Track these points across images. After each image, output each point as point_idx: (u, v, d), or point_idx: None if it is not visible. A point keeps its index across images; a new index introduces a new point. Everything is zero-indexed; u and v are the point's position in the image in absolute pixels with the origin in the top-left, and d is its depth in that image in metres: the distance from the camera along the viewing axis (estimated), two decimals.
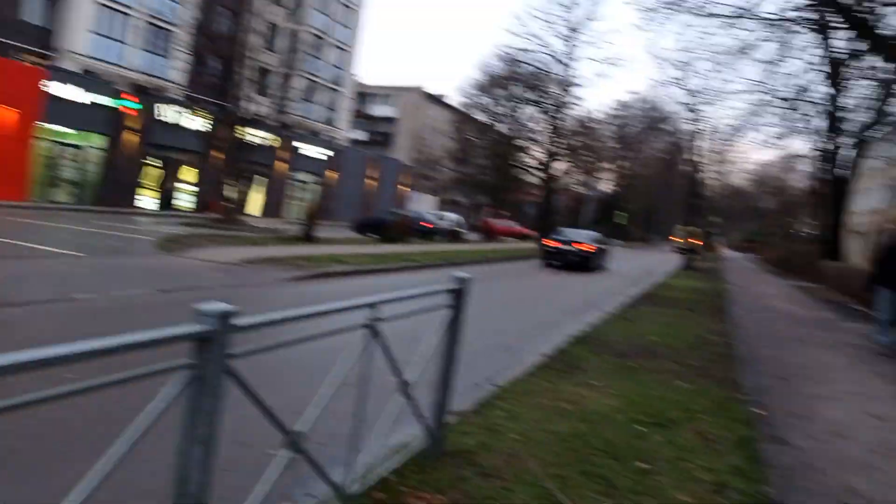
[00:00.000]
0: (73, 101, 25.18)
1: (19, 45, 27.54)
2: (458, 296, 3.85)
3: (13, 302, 7.19)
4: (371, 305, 3.00)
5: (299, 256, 14.33)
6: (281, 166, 37.43)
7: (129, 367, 1.74)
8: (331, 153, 41.58)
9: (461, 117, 60.34)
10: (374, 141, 68.59)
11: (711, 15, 15.72)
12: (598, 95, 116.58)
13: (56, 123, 24.88)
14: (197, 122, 28.30)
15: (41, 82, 24.01)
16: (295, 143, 37.90)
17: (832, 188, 26.79)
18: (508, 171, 53.69)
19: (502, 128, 52.76)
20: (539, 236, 33.61)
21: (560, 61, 32.25)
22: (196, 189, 32.03)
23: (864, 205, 41.74)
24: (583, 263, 21.74)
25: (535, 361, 6.67)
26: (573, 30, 31.05)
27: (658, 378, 6.33)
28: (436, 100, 69.37)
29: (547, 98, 37.26)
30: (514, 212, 58.82)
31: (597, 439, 4.34)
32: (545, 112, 38.11)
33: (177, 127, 29.20)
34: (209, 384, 1.93)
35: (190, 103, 29.17)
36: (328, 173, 42.17)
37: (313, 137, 42.35)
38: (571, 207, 66.23)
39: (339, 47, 45.27)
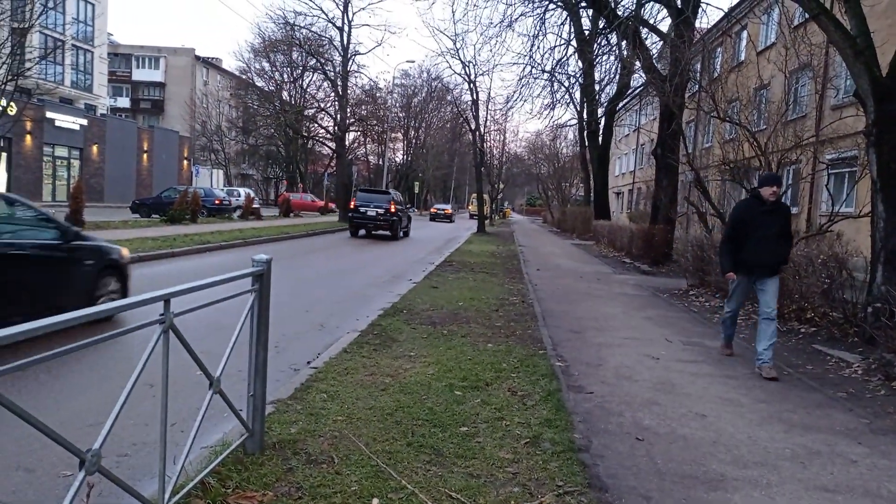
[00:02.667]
0: None
1: None
2: (261, 280, 3.58)
3: None
4: (164, 299, 2.64)
5: None
6: (28, 140, 32.07)
7: None
8: (84, 122, 36.15)
9: (240, 84, 56.91)
10: (142, 109, 61.56)
11: None
12: (380, 63, 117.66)
13: None
14: None
15: None
16: (47, 114, 32.66)
17: (595, 154, 30.23)
18: (299, 142, 52.22)
19: (286, 95, 50.94)
20: (340, 209, 33.31)
21: (337, 27, 31.75)
22: None
23: (622, 168, 47.94)
24: (389, 226, 22.09)
25: (350, 338, 6.58)
26: None
27: (469, 342, 6.62)
28: (210, 64, 64.12)
29: (328, 65, 36.61)
30: (311, 184, 57.49)
31: (419, 409, 4.40)
32: (329, 80, 37.47)
33: None
34: None
35: None
36: (91, 146, 37.08)
37: (67, 106, 36.78)
38: (368, 178, 66.64)
39: None
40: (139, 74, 62.11)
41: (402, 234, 23.76)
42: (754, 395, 5.27)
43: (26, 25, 23.05)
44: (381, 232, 23.26)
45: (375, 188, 32.51)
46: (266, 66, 51.14)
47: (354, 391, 4.76)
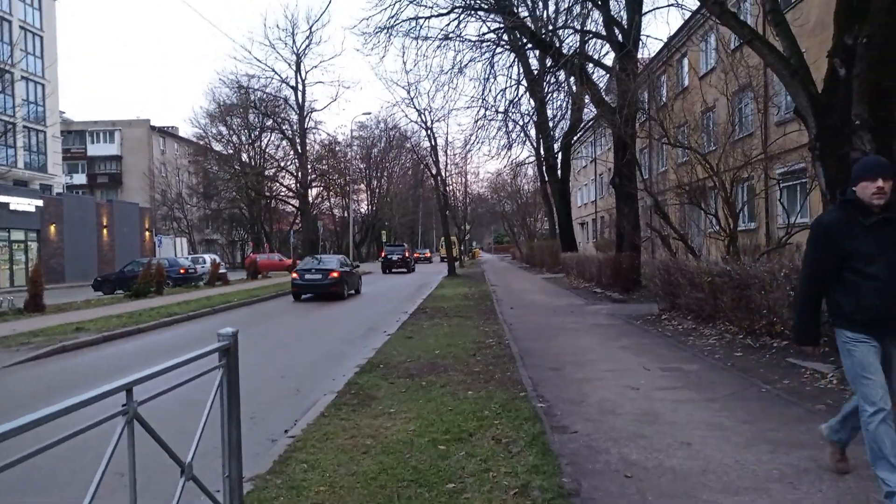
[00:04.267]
0: None
1: None
2: (227, 354, 3.48)
3: None
4: (126, 388, 2.53)
5: (28, 332, 12.09)
6: None
7: None
8: (40, 203, 35.27)
9: (198, 150, 56.85)
10: (99, 184, 60.77)
11: (425, 38, 17.02)
12: (337, 118, 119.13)
13: None
14: None
15: None
16: (1, 198, 31.97)
17: (555, 188, 30.77)
18: (262, 203, 52.07)
19: (245, 157, 51.07)
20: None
21: (291, 86, 32.17)
22: None
23: (584, 199, 48.80)
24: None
25: (327, 400, 6.43)
26: (297, 55, 31.19)
27: (449, 391, 6.52)
28: (166, 133, 63.99)
29: (285, 124, 36.95)
30: (278, 244, 57.10)
31: (404, 470, 4.28)
32: (287, 138, 37.76)
33: None
34: None
35: None
36: (48, 227, 36.28)
37: (21, 188, 36.10)
38: (334, 231, 66.54)
39: (32, 80, 39.11)
40: (95, 149, 61.56)
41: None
42: (737, 417, 5.27)
43: None
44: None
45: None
46: (223, 129, 51.32)
47: (335, 457, 4.62)
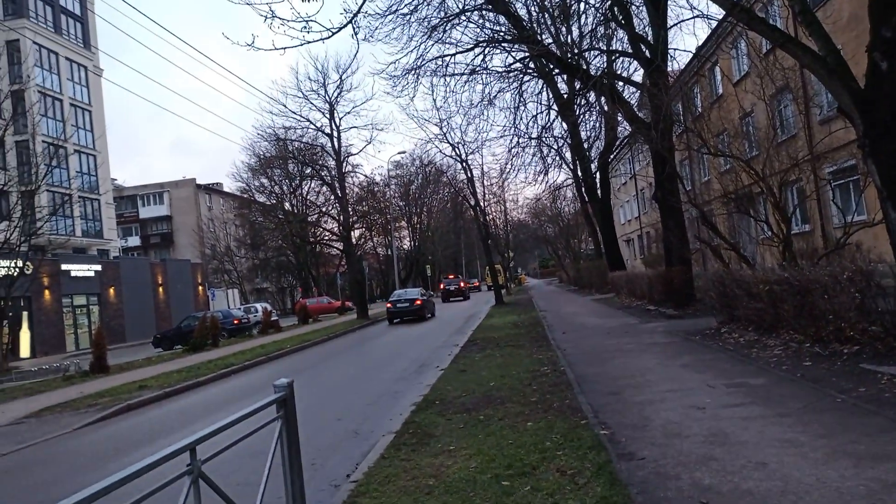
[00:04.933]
0: None
1: None
2: (285, 405, 3.53)
3: None
4: (190, 448, 2.58)
5: (95, 393, 12.52)
6: (47, 295, 32.80)
7: None
8: (98, 268, 37.14)
9: (242, 203, 58.59)
10: (152, 244, 63.24)
11: (452, 74, 17.26)
12: (373, 160, 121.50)
13: None
14: None
15: None
16: (62, 266, 33.60)
17: (596, 208, 30.45)
18: (307, 248, 53.14)
19: (288, 206, 52.36)
20: (357, 306, 33.39)
21: (326, 133, 33.00)
22: None
23: (627, 215, 48.12)
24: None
25: (386, 441, 6.41)
26: (330, 103, 32.01)
27: (508, 424, 6.41)
28: (211, 189, 66.33)
29: (324, 171, 37.80)
30: (325, 286, 57.97)
31: None
32: (326, 184, 38.59)
33: None
34: None
35: None
36: (107, 290, 37.86)
37: (80, 255, 37.89)
38: (379, 270, 67.20)
39: (83, 152, 41.21)
40: (146, 212, 64.28)
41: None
42: (813, 431, 5.01)
43: (33, 188, 24.19)
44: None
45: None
46: (265, 181, 52.81)
47: (399, 499, 4.58)
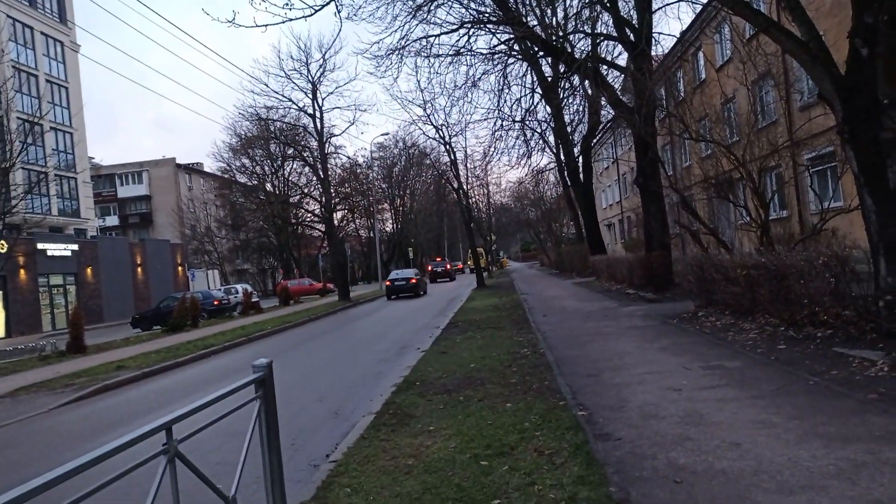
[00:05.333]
0: None
1: None
2: (263, 385, 3.51)
3: None
4: (166, 427, 2.55)
5: (72, 373, 12.38)
6: (23, 274, 32.22)
7: None
8: (76, 247, 36.59)
9: (223, 183, 57.89)
10: (131, 224, 62.29)
11: (436, 55, 17.10)
12: (356, 141, 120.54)
13: None
14: None
15: None
16: (38, 245, 32.98)
17: (578, 192, 30.54)
18: (289, 230, 52.77)
19: (270, 187, 51.83)
20: (338, 288, 33.31)
21: (309, 114, 32.60)
22: None
23: (608, 200, 48.37)
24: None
25: (366, 422, 6.42)
26: (313, 83, 31.59)
27: (487, 405, 6.46)
28: (191, 169, 65.36)
29: (306, 151, 37.42)
30: (307, 268, 57.66)
31: (447, 488, 4.24)
32: (309, 165, 38.22)
33: None
34: None
35: None
36: (84, 269, 37.28)
37: (57, 234, 37.22)
38: (362, 252, 66.97)
39: (60, 130, 40.35)
40: (124, 191, 63.16)
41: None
42: (786, 413, 5.11)
43: (7, 165, 23.62)
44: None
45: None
46: (246, 162, 52.16)
47: (378, 479, 4.60)
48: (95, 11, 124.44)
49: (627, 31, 16.76)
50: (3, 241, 22.83)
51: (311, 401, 8.33)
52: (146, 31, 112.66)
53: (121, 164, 63.99)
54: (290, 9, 10.34)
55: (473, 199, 46.45)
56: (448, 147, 33.62)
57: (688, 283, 13.52)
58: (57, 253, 34.77)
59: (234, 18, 20.77)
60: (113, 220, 62.01)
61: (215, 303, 28.39)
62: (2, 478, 6.29)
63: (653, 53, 17.40)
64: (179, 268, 48.41)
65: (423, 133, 73.76)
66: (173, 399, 9.36)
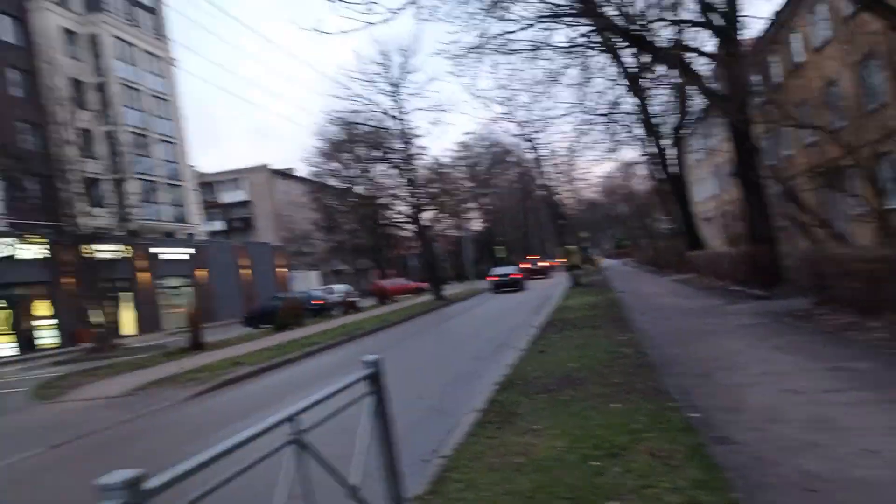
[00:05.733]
0: None
1: None
2: (374, 380, 3.68)
3: None
4: (290, 419, 2.74)
5: (194, 368, 13.32)
6: (144, 276, 34.99)
7: None
8: (192, 251, 39.53)
9: (316, 187, 60.11)
10: (234, 228, 66.03)
11: (513, 51, 16.92)
12: (440, 141, 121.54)
13: None
14: (34, 250, 25.82)
15: None
16: (153, 250, 35.72)
17: (672, 185, 29.39)
18: (380, 231, 54.10)
19: (360, 189, 53.31)
20: (432, 287, 33.85)
21: (393, 116, 33.24)
22: (56, 321, 29.08)
23: (705, 192, 46.21)
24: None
25: (471, 419, 6.51)
26: (394, 85, 32.18)
27: (591, 405, 6.38)
28: (285, 175, 68.38)
29: (393, 153, 38.18)
30: (399, 268, 58.93)
31: (560, 488, 4.24)
32: (395, 167, 39.01)
33: (12, 260, 26.47)
34: None
35: (19, 232, 26.59)
36: (197, 272, 39.98)
37: (170, 239, 40.15)
38: (452, 251, 67.64)
39: (165, 141, 43.37)
40: (226, 197, 67.14)
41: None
42: None
43: (122, 176, 25.64)
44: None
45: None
46: (336, 165, 53.92)
47: (489, 476, 4.66)
48: (189, 26, 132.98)
49: (713, 16, 15.95)
50: (127, 247, 24.85)
51: (413, 398, 8.53)
52: (237, 42, 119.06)
53: (221, 171, 68.03)
54: (370, 13, 10.59)
55: (560, 196, 45.83)
56: (531, 144, 33.31)
57: (799, 278, 12.74)
58: (172, 257, 37.54)
59: (318, 26, 21.61)
60: (219, 225, 66.02)
61: (316, 302, 29.60)
62: (144, 464, 6.90)
63: (742, 38, 16.45)
64: (281, 269, 50.87)
65: (506, 131, 73.25)
66: (286, 394, 9.88)
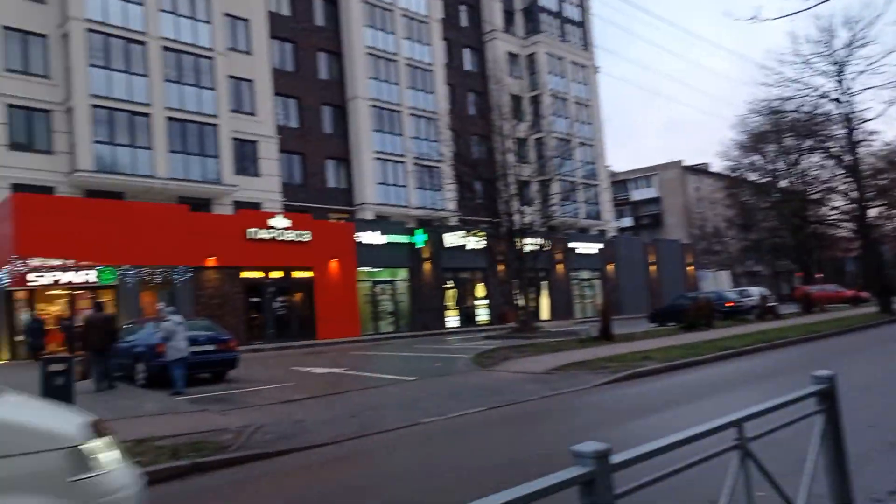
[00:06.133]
0: (375, 244, 29.52)
1: (332, 207, 34.03)
2: (827, 397, 3.25)
3: (377, 430, 8.18)
4: (736, 424, 2.63)
5: (605, 357, 14.01)
6: (560, 268, 38.32)
7: None
8: (601, 245, 41.65)
9: (732, 182, 55.87)
10: (642, 225, 66.61)
11: None
12: None
13: (367, 265, 29.28)
14: (477, 242, 30.78)
15: (352, 233, 28.77)
16: (569, 244, 38.79)
17: None
18: (807, 229, 47.25)
19: (784, 183, 47.34)
20: (876, 297, 28.22)
21: (834, 100, 28.19)
22: (488, 302, 34.33)
23: None
24: None
25: None
26: (838, 64, 27.10)
27: None
28: (698, 170, 65.43)
29: (830, 141, 32.57)
30: (830, 273, 50.80)
31: None
32: (833, 157, 33.24)
33: (462, 250, 32.06)
34: None
35: (467, 226, 32.01)
36: (607, 266, 41.87)
37: (583, 234, 42.95)
38: None
39: (585, 144, 46.17)
40: (636, 195, 68.30)
41: None
42: None
43: (549, 178, 28.55)
44: None
45: None
46: (756, 158, 49.31)
47: None
48: (612, 32, 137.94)
49: None
50: (546, 241, 27.62)
51: (858, 425, 7.23)
52: (657, 40, 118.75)
53: (632, 169, 69.43)
54: None
55: None
56: None
57: None
58: (585, 251, 40.21)
59: (755, 15, 19.85)
60: (627, 222, 67.74)
61: (728, 304, 27.78)
62: (560, 441, 7.61)
63: None
64: (688, 267, 49.37)
65: None
66: (697, 396, 9.56)
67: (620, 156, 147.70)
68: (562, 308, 38.47)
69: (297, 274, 26.92)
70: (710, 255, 58.06)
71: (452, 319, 32.92)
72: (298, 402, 10.67)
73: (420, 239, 31.44)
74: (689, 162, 66.17)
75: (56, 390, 8.91)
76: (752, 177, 50.83)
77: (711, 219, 59.45)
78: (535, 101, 43.94)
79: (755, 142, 47.21)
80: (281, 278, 26.48)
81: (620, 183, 68.82)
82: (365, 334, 28.33)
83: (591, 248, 40.95)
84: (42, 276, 20.68)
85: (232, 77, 29.80)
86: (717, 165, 63.45)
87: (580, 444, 1.91)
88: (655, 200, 66.84)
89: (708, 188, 64.93)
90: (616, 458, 1.96)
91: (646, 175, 67.85)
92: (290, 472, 6.62)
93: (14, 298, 21.11)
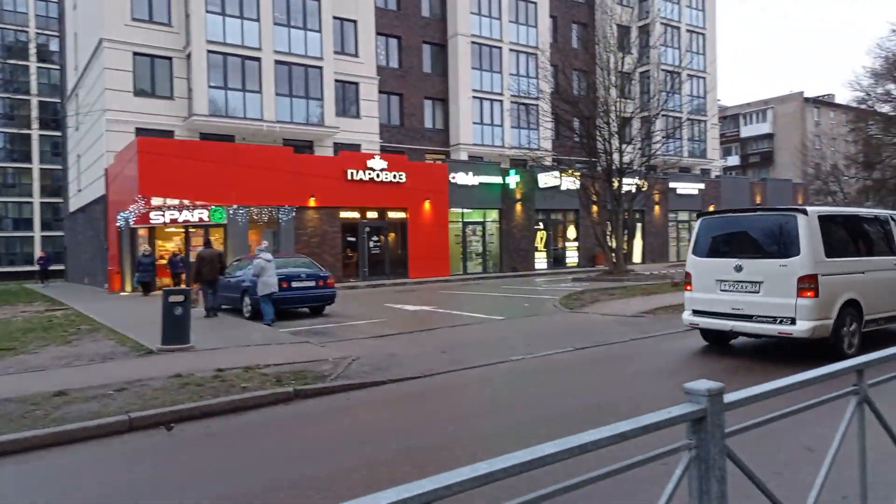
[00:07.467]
0: (468, 185, 29.50)
1: (427, 148, 34.14)
2: None
3: (466, 366, 8.50)
4: (857, 370, 2.51)
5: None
6: (657, 209, 36.87)
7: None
8: (703, 185, 39.39)
9: (859, 115, 50.64)
10: (751, 164, 62.23)
11: None
12: None
13: (459, 206, 29.42)
14: (572, 183, 30.03)
15: (446, 174, 28.88)
16: (669, 185, 37.09)
17: None
18: None
19: None
20: None
21: None
22: (578, 245, 33.77)
23: None
24: None
25: None
26: None
27: None
28: (821, 102, 59.75)
29: None
30: None
31: None
32: None
33: (555, 190, 31.45)
34: (712, 467, 1.84)
35: (563, 166, 31.20)
36: (708, 208, 39.74)
37: (685, 174, 40.76)
38: None
39: (695, 76, 42.99)
40: (746, 131, 63.66)
41: None
42: None
43: (653, 115, 27.16)
44: None
45: None
46: (891, 88, 44.39)
47: None
48: None
49: None
50: (644, 181, 26.54)
51: None
52: None
53: (745, 103, 64.48)
54: None
55: None
56: None
57: None
58: (685, 191, 38.32)
59: None
60: (734, 161, 63.62)
61: None
62: (640, 383, 7.58)
63: None
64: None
65: None
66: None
67: (733, 88, 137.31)
68: (656, 251, 37.23)
69: (391, 214, 27.57)
70: (825, 195, 53.74)
71: (541, 261, 32.73)
72: (391, 336, 11.18)
73: (514, 179, 31.13)
74: (810, 93, 60.66)
75: (175, 319, 9.82)
76: (884, 109, 46.03)
77: (830, 156, 54.74)
78: (644, 30, 41.34)
79: (891, 68, 42.49)
80: (376, 218, 27.24)
81: (731, 118, 64.28)
82: (454, 274, 28.80)
83: (693, 188, 38.90)
84: (162, 214, 22.42)
85: (336, 18, 30.06)
86: (843, 97, 57.97)
87: (693, 382, 1.88)
88: (768, 137, 62.05)
89: (829, 123, 59.51)
90: (730, 398, 1.94)
91: (760, 109, 62.75)
92: (384, 401, 7.04)
93: (137, 235, 23.06)
